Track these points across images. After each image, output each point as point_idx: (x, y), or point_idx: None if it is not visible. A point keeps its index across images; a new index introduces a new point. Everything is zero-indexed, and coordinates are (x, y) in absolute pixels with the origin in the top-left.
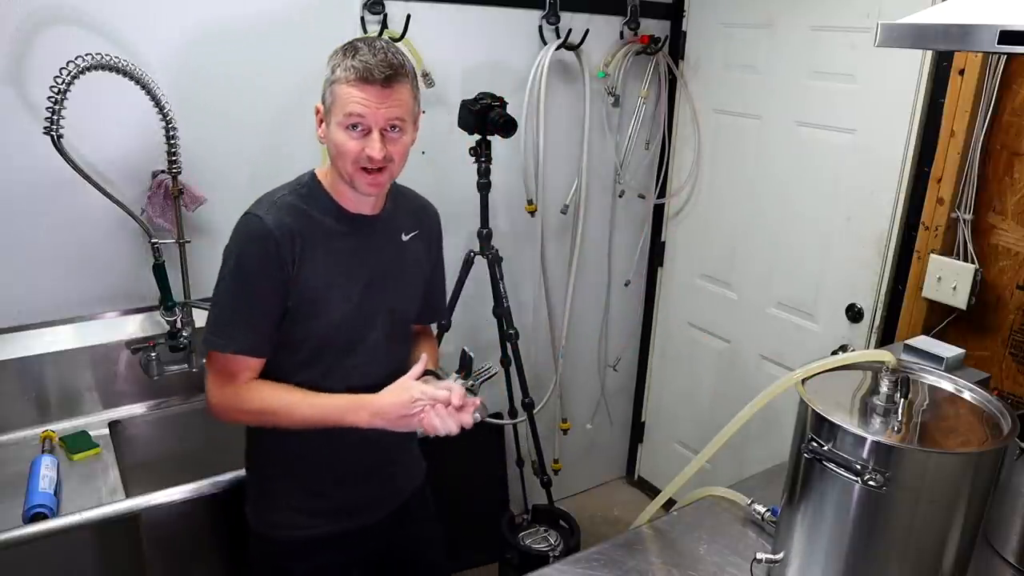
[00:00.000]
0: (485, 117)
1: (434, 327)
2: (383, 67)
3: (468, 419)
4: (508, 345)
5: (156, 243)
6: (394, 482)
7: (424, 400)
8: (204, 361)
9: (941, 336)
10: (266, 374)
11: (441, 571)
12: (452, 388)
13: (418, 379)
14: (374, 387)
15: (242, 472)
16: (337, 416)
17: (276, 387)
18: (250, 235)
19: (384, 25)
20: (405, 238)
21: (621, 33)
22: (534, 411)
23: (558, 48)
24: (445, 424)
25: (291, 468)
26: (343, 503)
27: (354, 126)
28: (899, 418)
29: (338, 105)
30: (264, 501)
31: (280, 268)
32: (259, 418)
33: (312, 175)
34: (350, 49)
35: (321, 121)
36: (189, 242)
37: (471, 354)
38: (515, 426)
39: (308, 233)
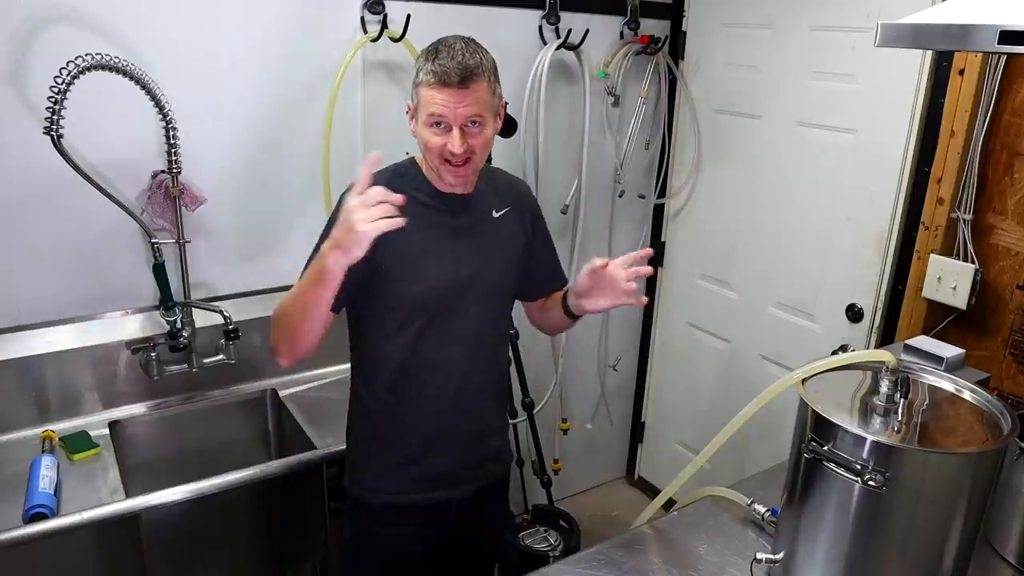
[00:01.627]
0: None
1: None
2: (459, 70)
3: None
4: (508, 345)
5: (156, 243)
6: (483, 462)
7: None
8: None
9: (941, 336)
10: (368, 333)
11: (496, 558)
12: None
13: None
14: (467, 355)
15: (243, 472)
16: (311, 277)
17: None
18: (341, 202)
19: (384, 25)
20: (497, 215)
21: (621, 33)
22: (534, 411)
23: (558, 48)
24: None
25: (385, 434)
26: (434, 472)
27: (437, 124)
28: (899, 418)
29: (422, 106)
30: (362, 466)
31: None
32: (280, 321)
33: (412, 159)
34: (432, 52)
35: (412, 118)
36: (189, 242)
37: None
38: (515, 426)
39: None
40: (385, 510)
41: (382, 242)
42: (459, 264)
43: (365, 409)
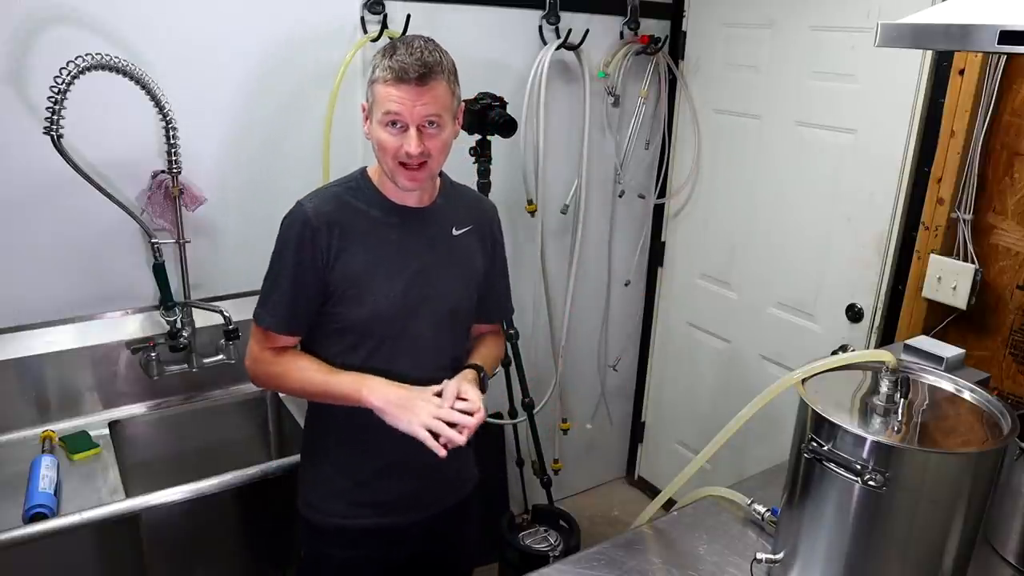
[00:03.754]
0: (485, 117)
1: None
2: (417, 66)
3: (458, 438)
4: (508, 345)
5: (156, 243)
6: (439, 485)
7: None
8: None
9: (941, 336)
10: (319, 354)
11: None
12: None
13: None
14: (422, 379)
15: (243, 472)
16: (339, 392)
17: (300, 358)
18: (291, 222)
19: (384, 25)
20: (456, 232)
21: (621, 33)
22: (534, 411)
23: (558, 48)
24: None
25: (337, 456)
26: (386, 497)
27: (393, 123)
28: (899, 418)
29: (377, 104)
30: (311, 486)
31: (314, 254)
32: (280, 383)
33: (362, 170)
34: (389, 49)
35: (367, 118)
36: (189, 242)
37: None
38: (515, 426)
39: (350, 222)
40: (336, 533)
41: (332, 263)
42: (409, 285)
43: (318, 429)
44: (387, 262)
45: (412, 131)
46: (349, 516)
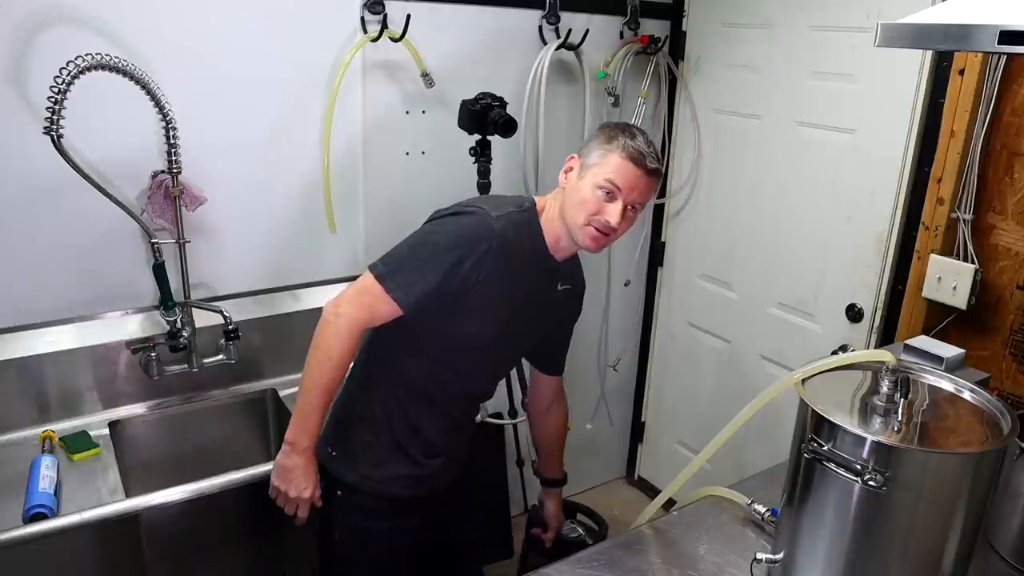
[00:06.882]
0: (485, 117)
1: None
2: (653, 159)
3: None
4: None
5: (156, 243)
6: (457, 460)
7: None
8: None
9: (941, 336)
10: (413, 354)
11: (475, 548)
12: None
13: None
14: (483, 389)
15: (243, 472)
16: (293, 417)
17: (329, 377)
18: (475, 232)
19: (384, 25)
20: (560, 288)
21: (621, 33)
22: None
23: (558, 48)
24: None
25: (390, 444)
26: (427, 472)
27: (606, 191)
28: (899, 418)
29: (602, 168)
30: (356, 469)
31: (470, 273)
32: (319, 362)
33: (533, 205)
34: (625, 131)
35: (570, 170)
36: (189, 242)
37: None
38: (515, 426)
39: (508, 262)
40: (381, 503)
41: (472, 287)
42: (508, 325)
43: (379, 410)
44: (503, 305)
45: (619, 206)
46: (402, 486)
